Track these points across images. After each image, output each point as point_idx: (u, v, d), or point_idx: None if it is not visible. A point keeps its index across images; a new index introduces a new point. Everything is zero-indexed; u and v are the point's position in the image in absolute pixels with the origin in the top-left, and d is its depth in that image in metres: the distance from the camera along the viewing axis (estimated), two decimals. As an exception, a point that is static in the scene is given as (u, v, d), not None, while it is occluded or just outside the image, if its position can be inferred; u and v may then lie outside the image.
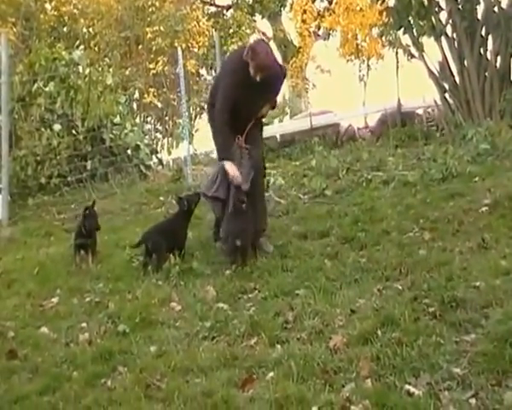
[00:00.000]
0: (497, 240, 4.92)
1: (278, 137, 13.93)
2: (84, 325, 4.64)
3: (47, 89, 10.85)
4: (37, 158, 10.44)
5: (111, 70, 13.90)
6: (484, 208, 5.73)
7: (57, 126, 10.59)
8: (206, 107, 6.55)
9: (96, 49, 18.70)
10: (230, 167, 5.58)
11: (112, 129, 11.27)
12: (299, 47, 21.96)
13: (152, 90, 18.85)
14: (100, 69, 13.28)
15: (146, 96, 18.61)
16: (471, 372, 3.16)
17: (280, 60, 6.41)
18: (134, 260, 5.87)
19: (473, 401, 2.97)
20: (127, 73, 18.40)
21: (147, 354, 3.99)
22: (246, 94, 5.57)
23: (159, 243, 5.63)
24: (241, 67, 5.57)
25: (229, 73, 5.85)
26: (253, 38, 6.62)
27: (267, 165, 9.99)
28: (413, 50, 11.98)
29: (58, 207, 9.34)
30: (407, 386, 3.13)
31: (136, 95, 19.22)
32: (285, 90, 20.32)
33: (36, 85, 10.88)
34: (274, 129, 13.94)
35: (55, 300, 5.26)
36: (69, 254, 6.45)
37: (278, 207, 7.24)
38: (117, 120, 11.59)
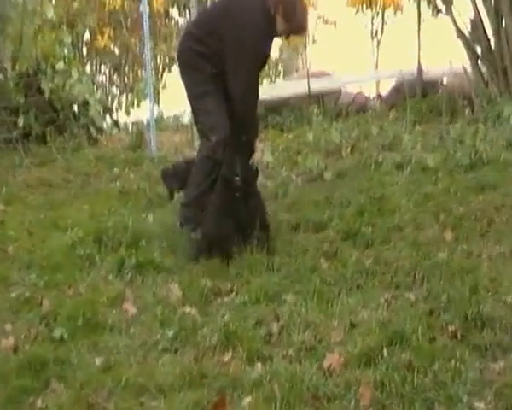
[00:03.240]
0: (536, 245, 4.99)
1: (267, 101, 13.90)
2: (8, 326, 4.54)
3: (-33, 17, 10.72)
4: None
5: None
6: (520, 205, 5.81)
7: (-21, 68, 10.49)
8: (179, 42, 6.48)
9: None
10: None
11: (53, 77, 11.10)
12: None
13: (107, 30, 18.69)
14: (37, -3, 13.09)
15: (99, 37, 18.46)
16: (497, 408, 3.20)
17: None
18: (77, 246, 5.83)
19: (498, 442, 3.02)
20: (75, 5, 18.16)
21: (90, 366, 3.94)
22: (264, 51, 5.73)
23: None
24: (265, 19, 5.58)
25: (253, 24, 5.68)
26: None
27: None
28: (439, 3, 12.01)
29: (-20, 172, 9.25)
30: (418, 421, 3.18)
31: (87, 35, 19.05)
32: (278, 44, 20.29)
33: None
34: (262, 91, 13.90)
35: (-29, 293, 5.21)
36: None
37: (265, 189, 7.23)
38: (60, 65, 11.37)
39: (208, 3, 18.09)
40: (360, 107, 13.42)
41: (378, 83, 15.58)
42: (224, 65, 5.69)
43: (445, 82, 13.59)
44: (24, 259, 5.79)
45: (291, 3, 5.48)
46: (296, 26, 5.52)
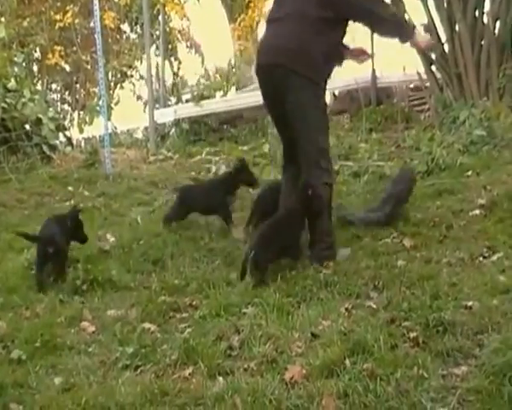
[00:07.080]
0: (494, 249, 5.06)
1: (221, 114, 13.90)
2: (-37, 351, 4.54)
3: None
4: None
5: (3, 19, 13.65)
6: (478, 210, 5.87)
7: None
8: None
9: (-17, -10, 18.30)
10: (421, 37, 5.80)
11: (4, 96, 11.05)
12: (249, 1, 21.93)
13: (58, 48, 18.58)
14: (-13, 18, 13.05)
15: (50, 55, 18.34)
16: (461, 413, 3.23)
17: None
18: (33, 267, 5.77)
19: (462, 449, 3.04)
20: (25, 24, 18.05)
21: (49, 389, 3.89)
22: None
23: None
24: None
25: None
26: None
27: (208, 149, 10.04)
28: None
29: None
30: (381, 430, 3.18)
31: (38, 54, 18.94)
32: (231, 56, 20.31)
33: None
34: (216, 104, 13.89)
35: None
36: None
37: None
38: (11, 84, 11.40)
39: (160, 17, 18.23)
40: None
41: (333, 92, 15.60)
42: None
43: (399, 89, 13.73)
44: (-23, 282, 5.71)
45: None
46: None
